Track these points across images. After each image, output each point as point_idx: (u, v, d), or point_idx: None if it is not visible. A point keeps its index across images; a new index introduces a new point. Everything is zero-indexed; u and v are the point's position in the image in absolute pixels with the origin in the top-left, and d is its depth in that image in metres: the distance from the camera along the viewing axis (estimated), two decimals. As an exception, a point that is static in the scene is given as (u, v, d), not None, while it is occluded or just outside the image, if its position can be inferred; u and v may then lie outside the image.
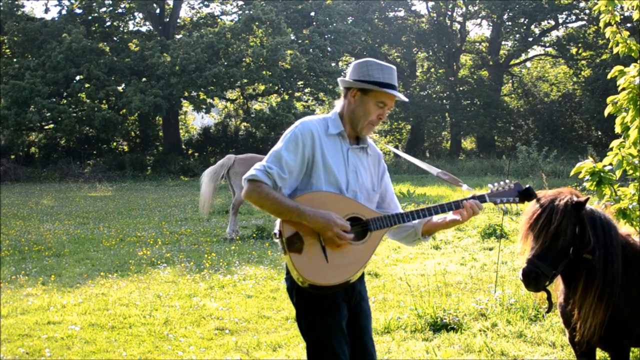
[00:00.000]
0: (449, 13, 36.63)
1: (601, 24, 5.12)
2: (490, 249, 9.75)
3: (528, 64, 39.51)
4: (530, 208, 3.42)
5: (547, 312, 3.61)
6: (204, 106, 29.28)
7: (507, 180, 3.31)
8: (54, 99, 28.73)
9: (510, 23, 35.12)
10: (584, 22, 34.57)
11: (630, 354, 4.73)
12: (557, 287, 3.74)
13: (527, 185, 3.31)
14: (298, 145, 3.02)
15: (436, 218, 3.27)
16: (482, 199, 3.24)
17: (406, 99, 3.14)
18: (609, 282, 3.43)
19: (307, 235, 2.97)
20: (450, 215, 3.24)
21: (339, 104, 3.23)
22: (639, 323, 3.55)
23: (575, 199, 3.39)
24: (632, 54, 5.01)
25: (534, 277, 3.30)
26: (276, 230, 3.04)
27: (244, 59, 29.40)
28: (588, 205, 3.47)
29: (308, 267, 2.96)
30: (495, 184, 3.31)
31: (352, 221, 3.05)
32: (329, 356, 3.03)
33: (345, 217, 3.02)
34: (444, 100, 35.67)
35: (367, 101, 3.10)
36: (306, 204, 2.97)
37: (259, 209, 3.08)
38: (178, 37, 32.46)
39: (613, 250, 3.43)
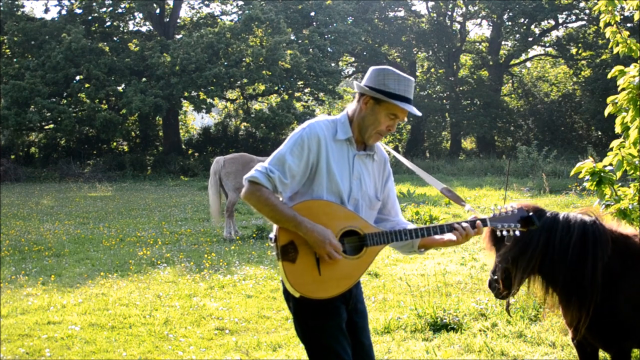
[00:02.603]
0: (449, 13, 36.62)
1: (601, 24, 5.12)
2: (490, 249, 9.73)
3: (528, 64, 39.50)
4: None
5: (507, 312, 4.08)
6: (204, 106, 29.26)
7: (512, 204, 3.26)
8: (54, 99, 28.70)
9: (510, 23, 35.10)
10: (584, 22, 34.56)
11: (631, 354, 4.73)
12: None
13: (531, 213, 3.27)
14: (303, 150, 2.96)
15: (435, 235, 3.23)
16: (483, 222, 3.16)
17: (420, 114, 3.05)
18: (561, 282, 3.55)
19: (302, 245, 2.92)
20: (448, 235, 3.16)
21: (350, 106, 3.14)
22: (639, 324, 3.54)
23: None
24: (632, 54, 5.01)
25: (489, 285, 3.81)
26: (272, 236, 2.99)
27: (244, 59, 29.39)
28: (551, 212, 3.62)
29: (300, 278, 2.92)
30: (500, 207, 3.24)
31: (349, 234, 3.01)
32: (333, 359, 3.00)
33: (342, 229, 2.98)
34: (444, 100, 35.66)
35: (378, 111, 3.02)
36: (305, 212, 2.92)
37: (256, 212, 3.03)
38: (178, 37, 32.45)
39: (564, 252, 3.51)
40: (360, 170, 3.09)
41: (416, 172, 3.48)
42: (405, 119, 3.12)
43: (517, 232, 3.20)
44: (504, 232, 3.18)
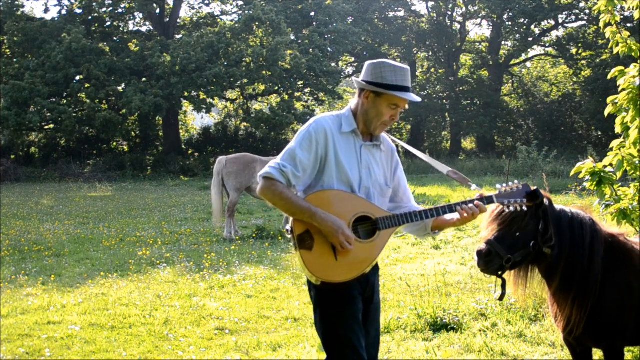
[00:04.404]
0: (449, 13, 36.63)
1: (601, 24, 5.11)
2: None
3: (528, 64, 39.51)
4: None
5: (500, 299, 3.71)
6: (204, 106, 29.26)
7: (515, 181, 3.34)
8: (54, 99, 28.70)
9: (510, 23, 35.11)
10: (584, 22, 34.57)
11: (630, 354, 4.74)
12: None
13: (535, 188, 3.34)
14: (312, 144, 3.10)
15: (447, 215, 3.31)
16: (490, 200, 3.28)
17: (419, 99, 3.19)
18: (576, 280, 3.50)
19: (318, 233, 3.06)
20: (457, 215, 3.29)
21: (353, 100, 3.28)
22: (630, 322, 3.56)
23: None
24: (632, 54, 5.00)
25: (486, 254, 3.40)
26: (288, 227, 3.13)
27: (244, 59, 29.39)
28: (558, 205, 3.57)
29: (318, 265, 3.05)
30: (504, 184, 3.33)
31: (362, 220, 3.13)
32: (346, 349, 3.09)
33: (355, 216, 3.11)
34: (444, 100, 35.66)
35: (379, 103, 3.16)
36: (317, 203, 3.06)
37: (272, 206, 3.17)
38: (178, 37, 32.44)
39: (582, 248, 3.50)
40: (368, 159, 3.22)
41: (422, 158, 3.61)
42: (407, 107, 3.26)
43: (525, 207, 3.30)
44: (511, 208, 3.27)
